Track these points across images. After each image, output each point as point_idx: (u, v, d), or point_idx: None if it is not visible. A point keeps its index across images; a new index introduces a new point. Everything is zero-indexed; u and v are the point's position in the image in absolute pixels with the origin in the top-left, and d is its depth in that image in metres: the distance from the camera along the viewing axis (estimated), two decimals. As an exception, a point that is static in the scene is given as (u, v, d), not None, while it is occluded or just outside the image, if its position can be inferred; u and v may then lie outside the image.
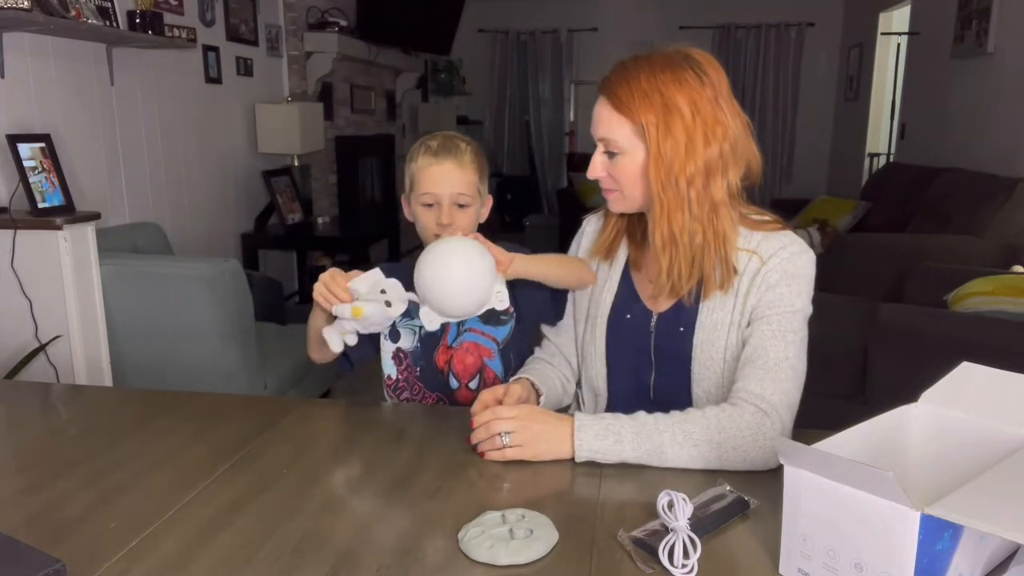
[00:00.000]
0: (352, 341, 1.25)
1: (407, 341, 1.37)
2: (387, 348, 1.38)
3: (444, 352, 1.36)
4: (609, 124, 1.15)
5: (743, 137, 1.15)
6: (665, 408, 1.08)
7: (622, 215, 1.27)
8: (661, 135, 1.10)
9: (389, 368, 1.39)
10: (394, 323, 1.37)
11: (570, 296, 1.36)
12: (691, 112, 1.10)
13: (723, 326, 1.17)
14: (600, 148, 1.18)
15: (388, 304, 1.20)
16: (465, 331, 1.36)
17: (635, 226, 1.27)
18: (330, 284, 1.20)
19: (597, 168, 1.19)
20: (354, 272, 1.23)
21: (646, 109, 1.11)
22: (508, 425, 1.05)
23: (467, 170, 1.33)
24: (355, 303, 1.18)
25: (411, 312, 1.28)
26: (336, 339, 1.24)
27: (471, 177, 1.34)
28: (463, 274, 1.15)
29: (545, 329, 1.41)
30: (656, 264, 1.18)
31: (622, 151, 1.15)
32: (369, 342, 1.36)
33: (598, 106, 1.17)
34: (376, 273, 1.23)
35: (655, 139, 1.11)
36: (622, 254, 1.30)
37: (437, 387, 1.37)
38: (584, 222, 1.38)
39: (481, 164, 1.37)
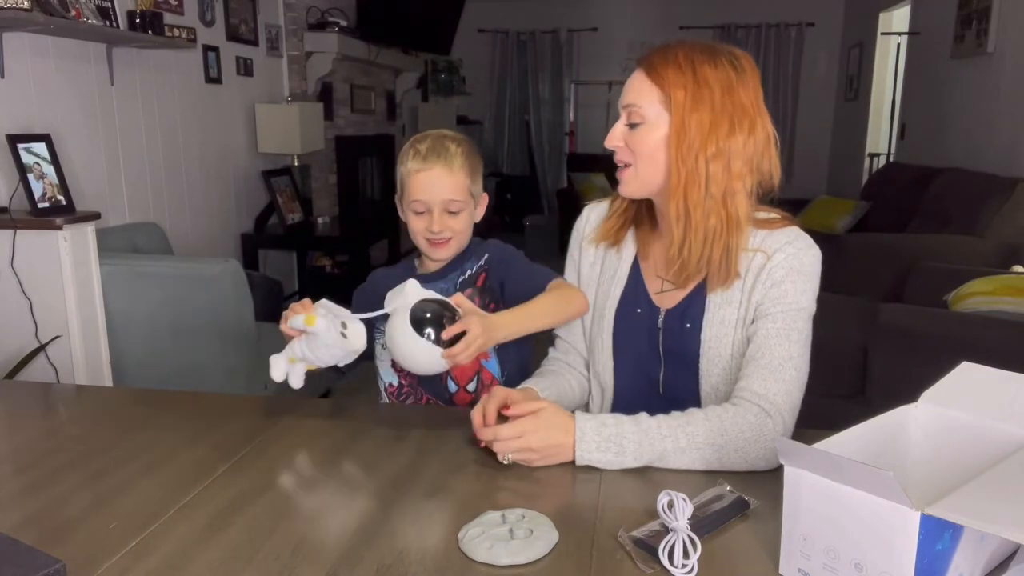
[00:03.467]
0: (297, 382, 1.16)
1: None
2: (384, 357, 1.37)
3: None
4: (639, 91, 1.15)
5: (767, 145, 1.14)
6: (674, 403, 1.08)
7: (626, 203, 1.25)
8: (688, 108, 1.11)
9: (390, 376, 1.39)
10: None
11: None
12: (721, 93, 1.10)
13: (730, 323, 1.16)
14: (623, 119, 1.17)
15: (344, 335, 1.13)
16: None
17: (642, 212, 1.26)
18: (295, 305, 1.18)
19: (616, 137, 1.18)
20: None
21: (677, 80, 1.11)
22: (509, 447, 1.02)
23: (457, 175, 1.30)
24: (310, 313, 1.12)
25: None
26: (281, 367, 1.17)
27: (462, 181, 1.31)
28: (418, 357, 1.14)
29: (556, 327, 1.39)
30: (668, 236, 1.16)
31: (644, 120, 1.14)
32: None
33: (631, 77, 1.17)
34: (345, 311, 1.18)
35: (681, 111, 1.11)
36: (631, 246, 1.28)
37: (435, 392, 1.37)
38: (586, 209, 1.35)
39: (473, 164, 1.33)
